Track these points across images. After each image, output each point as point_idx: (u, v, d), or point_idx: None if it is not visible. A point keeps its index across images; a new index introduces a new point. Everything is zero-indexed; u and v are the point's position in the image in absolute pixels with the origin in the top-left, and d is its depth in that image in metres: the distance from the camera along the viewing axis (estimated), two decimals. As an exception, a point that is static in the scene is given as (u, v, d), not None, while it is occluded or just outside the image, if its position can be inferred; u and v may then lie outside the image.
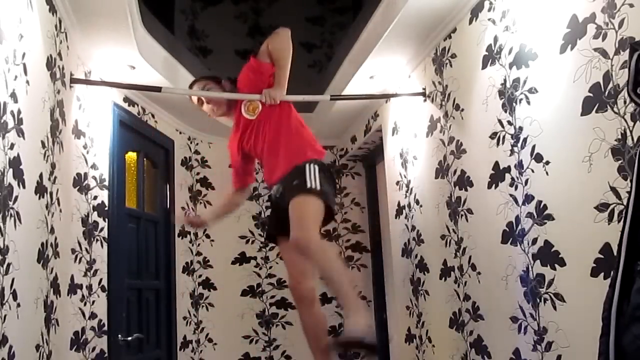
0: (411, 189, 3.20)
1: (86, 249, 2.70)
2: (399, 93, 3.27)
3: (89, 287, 2.71)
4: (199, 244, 4.20)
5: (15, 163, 1.74)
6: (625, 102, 1.56)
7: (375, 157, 4.22)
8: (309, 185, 2.32)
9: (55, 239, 2.22)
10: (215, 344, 4.09)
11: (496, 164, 2.26)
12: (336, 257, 2.28)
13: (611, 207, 1.61)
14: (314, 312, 2.53)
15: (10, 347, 1.64)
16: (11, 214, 1.69)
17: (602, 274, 1.64)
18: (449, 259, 2.71)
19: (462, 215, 2.57)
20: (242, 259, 4.29)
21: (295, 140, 2.52)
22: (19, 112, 1.78)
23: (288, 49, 2.54)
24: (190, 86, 2.82)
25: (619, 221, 1.57)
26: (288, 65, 2.55)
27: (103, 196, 2.93)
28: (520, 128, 2.09)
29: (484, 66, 2.36)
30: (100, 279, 2.83)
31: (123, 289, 3.11)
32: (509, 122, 2.17)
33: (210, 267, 4.21)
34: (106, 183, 2.97)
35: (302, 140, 2.55)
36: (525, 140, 2.06)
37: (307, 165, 2.41)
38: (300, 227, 2.20)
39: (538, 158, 1.98)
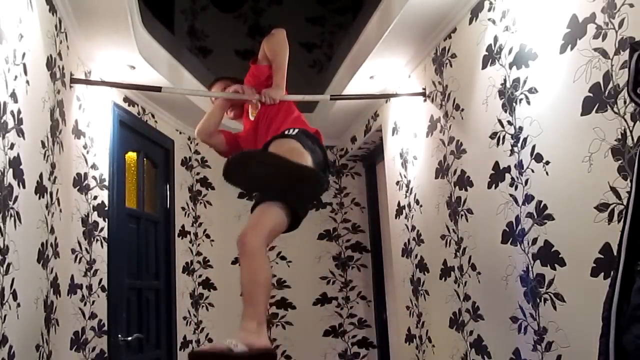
0: (411, 189, 3.20)
1: (86, 249, 2.70)
2: (399, 93, 3.27)
3: (89, 287, 2.71)
4: (199, 244, 4.20)
5: (15, 163, 1.74)
6: (625, 102, 1.56)
7: (375, 157, 4.22)
8: (287, 133, 2.18)
9: (55, 239, 2.22)
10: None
11: (496, 164, 2.26)
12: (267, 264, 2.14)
13: (611, 207, 1.61)
14: (252, 265, 2.20)
15: (10, 347, 1.64)
16: (11, 214, 1.69)
17: (602, 274, 1.64)
18: (449, 259, 2.71)
19: (462, 215, 2.57)
20: (242, 259, 4.28)
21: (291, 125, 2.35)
22: (19, 112, 1.78)
23: (284, 49, 2.53)
24: (211, 86, 2.79)
25: (619, 221, 1.57)
26: (284, 65, 2.53)
27: (103, 196, 2.93)
28: (520, 128, 2.09)
29: (484, 66, 2.36)
30: (100, 279, 2.83)
31: (123, 289, 3.10)
32: (509, 122, 2.17)
33: (210, 267, 4.21)
34: (106, 183, 2.97)
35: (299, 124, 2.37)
36: (525, 140, 2.06)
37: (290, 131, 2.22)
38: (257, 229, 2.06)
39: (538, 158, 1.98)
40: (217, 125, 2.66)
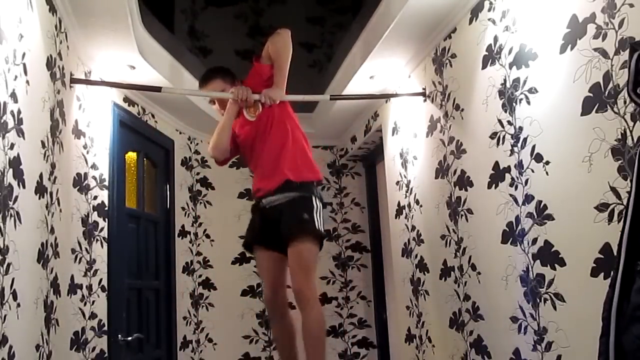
0: (411, 189, 3.20)
1: (86, 249, 2.70)
2: (399, 93, 3.27)
3: (89, 287, 2.71)
4: (199, 244, 4.20)
5: (15, 163, 1.74)
6: (625, 102, 1.56)
7: (375, 157, 4.22)
8: (317, 226, 2.36)
9: (55, 239, 2.22)
10: (215, 344, 4.09)
11: (496, 164, 2.26)
12: (323, 319, 2.35)
13: (611, 207, 1.61)
14: (287, 323, 2.51)
15: (10, 347, 1.64)
16: (11, 214, 1.69)
17: (602, 274, 1.64)
18: (449, 259, 2.71)
19: (462, 215, 2.57)
20: (242, 259, 4.28)
21: (298, 152, 2.49)
22: (19, 112, 1.78)
23: (287, 49, 2.52)
24: (205, 82, 2.73)
25: (619, 221, 1.57)
26: (286, 66, 2.52)
27: (103, 196, 2.93)
28: (520, 128, 2.09)
29: (484, 66, 2.36)
30: (100, 279, 2.83)
31: (123, 289, 3.11)
32: (509, 122, 2.17)
33: (210, 267, 4.21)
34: (106, 183, 2.97)
35: (305, 155, 2.52)
36: (525, 140, 2.06)
37: (314, 200, 2.40)
38: (307, 278, 2.26)
39: (538, 158, 1.98)
40: (230, 138, 2.63)
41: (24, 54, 1.84)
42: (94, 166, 2.85)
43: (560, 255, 1.86)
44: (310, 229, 2.33)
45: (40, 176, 2.01)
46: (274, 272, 2.47)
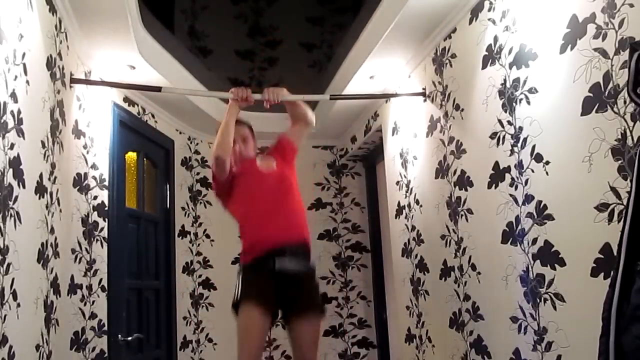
0: (411, 189, 3.20)
1: (86, 249, 2.70)
2: (399, 93, 3.27)
3: (89, 287, 2.71)
4: (199, 244, 4.20)
5: (15, 163, 1.74)
6: (625, 102, 1.56)
7: (375, 157, 4.22)
8: (325, 308, 2.60)
9: (55, 239, 2.22)
10: (215, 344, 4.09)
11: (496, 164, 2.26)
12: None
13: (611, 207, 1.61)
14: None
15: (10, 347, 1.64)
16: (11, 214, 1.69)
17: (602, 274, 1.64)
18: (449, 259, 2.71)
19: (462, 215, 2.57)
20: (242, 259, 4.28)
21: (304, 215, 2.59)
22: (19, 112, 1.78)
23: (312, 120, 2.71)
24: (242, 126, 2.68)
25: (619, 221, 1.57)
26: (309, 113, 2.68)
27: (103, 196, 2.93)
28: (520, 128, 2.09)
29: (484, 66, 2.36)
30: (100, 279, 2.83)
31: (123, 289, 3.10)
32: (509, 122, 2.17)
33: (210, 267, 4.21)
34: (106, 183, 2.97)
35: (305, 217, 2.62)
36: (525, 140, 2.06)
37: (317, 276, 2.60)
38: (316, 349, 2.44)
39: (538, 158, 1.98)
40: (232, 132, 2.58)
41: (24, 54, 1.84)
42: (94, 166, 2.85)
43: (560, 255, 1.86)
44: (322, 310, 2.54)
45: (40, 176, 2.01)
46: (264, 334, 2.40)
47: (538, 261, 1.98)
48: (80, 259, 2.63)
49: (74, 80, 2.59)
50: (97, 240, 2.83)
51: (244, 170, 2.59)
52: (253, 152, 2.67)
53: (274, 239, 2.40)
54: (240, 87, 2.57)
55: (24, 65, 1.84)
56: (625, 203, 1.47)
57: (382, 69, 3.19)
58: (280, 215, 2.45)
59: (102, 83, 2.96)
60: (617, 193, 1.59)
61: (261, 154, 2.75)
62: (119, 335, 2.97)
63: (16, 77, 1.76)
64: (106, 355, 2.81)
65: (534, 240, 2.00)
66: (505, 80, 2.20)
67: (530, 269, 2.03)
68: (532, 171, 2.02)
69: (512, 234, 2.15)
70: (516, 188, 2.12)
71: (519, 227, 2.10)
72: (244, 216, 2.56)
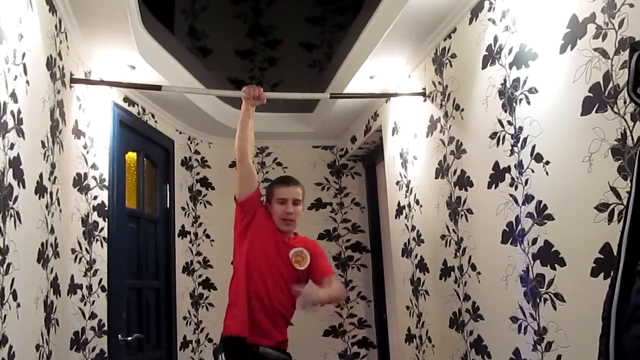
0: (411, 189, 3.20)
1: (86, 249, 2.70)
2: (399, 93, 3.28)
3: (89, 287, 2.71)
4: (199, 244, 4.20)
5: (15, 163, 1.74)
6: (625, 102, 1.56)
7: (375, 157, 4.22)
8: None
9: (55, 239, 2.22)
10: (215, 344, 4.08)
11: (496, 164, 2.26)
12: None
13: (611, 207, 1.61)
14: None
15: (10, 347, 1.64)
16: (11, 214, 1.69)
17: (602, 274, 1.64)
18: (449, 259, 2.71)
19: (462, 215, 2.57)
20: (242, 259, 4.28)
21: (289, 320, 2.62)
22: (19, 112, 1.78)
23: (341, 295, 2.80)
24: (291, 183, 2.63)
25: (619, 221, 1.57)
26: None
27: (103, 196, 2.93)
28: (520, 128, 2.09)
29: (484, 66, 2.36)
30: (100, 279, 2.83)
31: (123, 289, 3.10)
32: (509, 122, 2.17)
33: (210, 267, 4.21)
34: (106, 183, 2.97)
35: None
36: (525, 140, 2.06)
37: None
38: None
39: (538, 158, 1.98)
40: (250, 126, 2.54)
41: (24, 54, 1.84)
42: (94, 166, 2.85)
43: (560, 255, 1.86)
44: None
45: (40, 176, 2.01)
46: None
47: (538, 261, 1.98)
48: (80, 259, 2.63)
49: (74, 80, 2.59)
50: (97, 240, 2.83)
51: (276, 236, 2.53)
52: (294, 227, 2.58)
53: (266, 339, 2.43)
54: (251, 85, 2.53)
55: (24, 65, 1.84)
56: (625, 203, 1.47)
57: (382, 69, 3.19)
58: (275, 312, 2.47)
59: (102, 83, 2.96)
60: (617, 193, 1.59)
61: (300, 239, 2.62)
62: (119, 335, 2.97)
63: (16, 77, 1.76)
64: (106, 355, 2.81)
65: (534, 240, 2.00)
66: (505, 80, 2.20)
67: (530, 269, 2.03)
68: (532, 171, 2.02)
69: (512, 234, 2.15)
70: (516, 188, 2.12)
71: (519, 227, 2.10)
72: (249, 281, 2.44)
